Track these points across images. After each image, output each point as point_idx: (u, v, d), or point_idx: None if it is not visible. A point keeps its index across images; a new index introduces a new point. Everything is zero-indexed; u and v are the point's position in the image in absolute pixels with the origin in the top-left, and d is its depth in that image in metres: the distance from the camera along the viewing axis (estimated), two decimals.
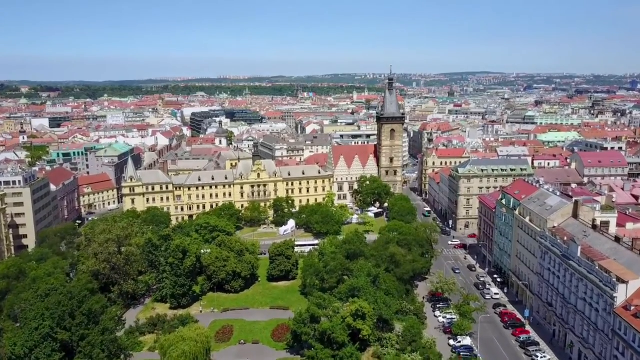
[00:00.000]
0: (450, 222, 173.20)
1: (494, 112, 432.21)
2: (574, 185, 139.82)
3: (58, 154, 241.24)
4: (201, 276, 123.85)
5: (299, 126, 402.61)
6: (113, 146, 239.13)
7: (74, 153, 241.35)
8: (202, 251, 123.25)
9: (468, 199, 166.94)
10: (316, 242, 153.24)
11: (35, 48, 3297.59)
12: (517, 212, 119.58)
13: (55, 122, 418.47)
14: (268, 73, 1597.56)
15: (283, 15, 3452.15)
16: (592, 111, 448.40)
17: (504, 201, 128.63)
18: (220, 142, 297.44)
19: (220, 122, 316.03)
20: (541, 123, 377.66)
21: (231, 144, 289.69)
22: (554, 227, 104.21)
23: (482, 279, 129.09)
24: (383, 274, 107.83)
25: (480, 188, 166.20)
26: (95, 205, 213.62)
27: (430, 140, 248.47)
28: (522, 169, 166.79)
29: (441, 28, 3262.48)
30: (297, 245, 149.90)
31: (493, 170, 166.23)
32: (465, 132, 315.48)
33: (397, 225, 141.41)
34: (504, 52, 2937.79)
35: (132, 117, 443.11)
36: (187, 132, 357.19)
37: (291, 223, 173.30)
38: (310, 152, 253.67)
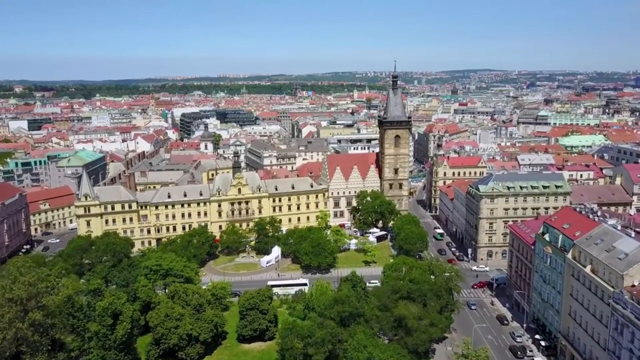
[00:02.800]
0: (469, 250, 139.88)
1: (503, 112, 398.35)
2: (632, 211, 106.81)
3: (17, 163, 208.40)
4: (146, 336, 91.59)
5: (295, 127, 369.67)
6: (79, 154, 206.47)
7: (35, 162, 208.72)
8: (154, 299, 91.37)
9: (491, 223, 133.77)
10: (304, 281, 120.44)
11: (35, 48, 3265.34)
12: (569, 256, 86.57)
13: (36, 124, 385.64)
14: (268, 71, 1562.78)
15: (283, 14, 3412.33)
16: (607, 110, 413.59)
17: (547, 237, 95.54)
18: (206, 146, 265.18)
19: (206, 126, 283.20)
20: (555, 123, 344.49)
21: (217, 149, 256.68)
22: (635, 286, 71.42)
23: (519, 340, 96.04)
24: (390, 350, 75.19)
25: (506, 210, 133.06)
26: (54, 224, 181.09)
27: (439, 146, 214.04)
28: (557, 186, 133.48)
29: (442, 25, 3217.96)
30: (279, 286, 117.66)
31: (522, 187, 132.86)
32: (475, 134, 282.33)
33: (406, 262, 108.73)
34: (505, 50, 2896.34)
35: (119, 119, 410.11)
36: (172, 135, 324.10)
37: (276, 251, 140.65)
38: (304, 159, 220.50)
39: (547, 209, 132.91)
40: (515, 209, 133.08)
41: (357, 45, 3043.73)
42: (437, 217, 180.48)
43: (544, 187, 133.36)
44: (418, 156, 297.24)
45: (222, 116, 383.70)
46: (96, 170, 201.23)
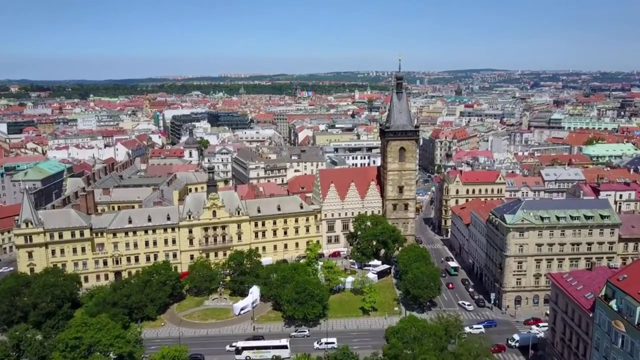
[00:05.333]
0: (492, 294, 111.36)
1: (512, 114, 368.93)
2: None
3: None
4: None
5: (292, 131, 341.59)
6: (39, 165, 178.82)
7: None
8: None
9: (520, 262, 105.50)
10: (283, 342, 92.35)
11: (36, 48, 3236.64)
12: None
13: (17, 127, 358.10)
14: (269, 71, 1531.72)
15: (284, 13, 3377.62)
16: (623, 112, 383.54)
17: (614, 304, 67.34)
18: (190, 154, 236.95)
19: (191, 131, 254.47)
20: (569, 127, 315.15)
21: (202, 157, 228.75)
22: None
23: None
24: None
25: (539, 246, 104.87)
26: (5, 248, 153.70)
27: (448, 156, 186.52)
28: (602, 216, 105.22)
29: (444, 24, 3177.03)
30: (251, 348, 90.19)
31: (558, 218, 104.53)
32: (486, 141, 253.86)
33: (415, 324, 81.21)
34: (508, 49, 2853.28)
35: (106, 121, 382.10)
36: (159, 139, 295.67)
37: (254, 293, 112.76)
38: (296, 171, 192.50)
39: (589, 244, 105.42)
40: (550, 245, 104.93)
41: (358, 45, 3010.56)
42: (449, 242, 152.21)
43: (586, 217, 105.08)
44: (423, 164, 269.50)
45: (215, 119, 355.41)
46: (59, 184, 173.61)
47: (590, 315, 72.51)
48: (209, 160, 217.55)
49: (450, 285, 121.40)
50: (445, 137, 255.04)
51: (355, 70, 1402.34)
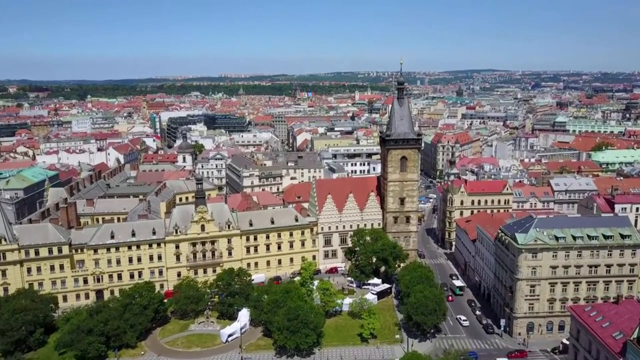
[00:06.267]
0: (502, 321, 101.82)
1: (515, 117, 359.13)
2: None
3: None
4: None
5: (290, 133, 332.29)
6: (22, 173, 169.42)
7: None
8: None
9: (533, 286, 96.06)
10: None
11: (37, 48, 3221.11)
12: None
13: (10, 130, 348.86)
14: (269, 71, 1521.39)
15: (285, 13, 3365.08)
16: (628, 115, 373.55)
17: None
18: (184, 159, 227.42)
19: (184, 135, 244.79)
20: (574, 131, 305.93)
21: (195, 163, 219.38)
22: None
23: None
24: None
25: (554, 268, 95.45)
26: None
27: (451, 163, 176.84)
28: (622, 235, 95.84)
29: (445, 24, 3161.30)
30: None
31: (575, 238, 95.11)
32: (490, 146, 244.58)
33: None
34: (509, 50, 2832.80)
35: (101, 123, 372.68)
36: (153, 143, 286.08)
37: (243, 318, 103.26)
38: (292, 178, 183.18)
39: (609, 266, 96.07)
40: (565, 268, 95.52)
41: (359, 45, 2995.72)
42: (453, 256, 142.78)
43: (605, 236, 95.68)
44: (425, 168, 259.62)
45: (211, 121, 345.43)
46: (42, 193, 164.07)
47: (618, 357, 63.14)
48: (202, 166, 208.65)
49: (450, 298, 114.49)
50: (448, 142, 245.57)
51: (355, 70, 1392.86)
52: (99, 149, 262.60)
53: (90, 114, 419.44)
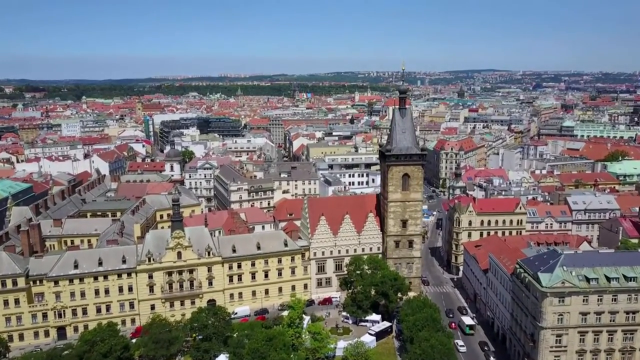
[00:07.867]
0: None
1: (520, 120, 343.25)
2: None
3: None
4: None
5: (287, 138, 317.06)
6: None
7: None
8: None
9: (560, 336, 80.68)
10: None
11: (37, 48, 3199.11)
12: None
13: None
14: (269, 71, 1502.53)
15: (285, 13, 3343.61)
16: (637, 118, 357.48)
17: None
18: (172, 168, 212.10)
19: (172, 142, 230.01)
20: (582, 136, 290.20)
21: (183, 172, 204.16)
22: None
23: None
24: None
25: (585, 315, 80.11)
26: None
27: (457, 176, 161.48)
28: None
29: (445, 24, 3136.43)
30: None
31: (609, 279, 79.75)
32: (497, 153, 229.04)
33: None
34: (509, 50, 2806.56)
35: (91, 127, 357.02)
36: (142, 149, 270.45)
37: None
38: (284, 191, 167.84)
39: None
40: (598, 314, 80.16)
41: (359, 45, 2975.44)
42: (460, 282, 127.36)
43: None
44: (427, 176, 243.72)
45: (205, 125, 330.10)
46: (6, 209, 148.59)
47: None
48: (190, 176, 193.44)
49: (453, 325, 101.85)
50: (452, 149, 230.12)
51: (355, 70, 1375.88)
52: (86, 155, 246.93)
53: (82, 117, 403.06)
